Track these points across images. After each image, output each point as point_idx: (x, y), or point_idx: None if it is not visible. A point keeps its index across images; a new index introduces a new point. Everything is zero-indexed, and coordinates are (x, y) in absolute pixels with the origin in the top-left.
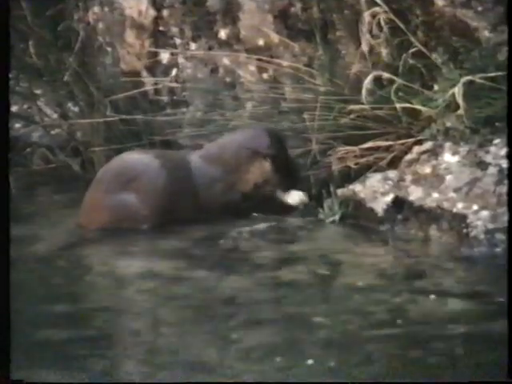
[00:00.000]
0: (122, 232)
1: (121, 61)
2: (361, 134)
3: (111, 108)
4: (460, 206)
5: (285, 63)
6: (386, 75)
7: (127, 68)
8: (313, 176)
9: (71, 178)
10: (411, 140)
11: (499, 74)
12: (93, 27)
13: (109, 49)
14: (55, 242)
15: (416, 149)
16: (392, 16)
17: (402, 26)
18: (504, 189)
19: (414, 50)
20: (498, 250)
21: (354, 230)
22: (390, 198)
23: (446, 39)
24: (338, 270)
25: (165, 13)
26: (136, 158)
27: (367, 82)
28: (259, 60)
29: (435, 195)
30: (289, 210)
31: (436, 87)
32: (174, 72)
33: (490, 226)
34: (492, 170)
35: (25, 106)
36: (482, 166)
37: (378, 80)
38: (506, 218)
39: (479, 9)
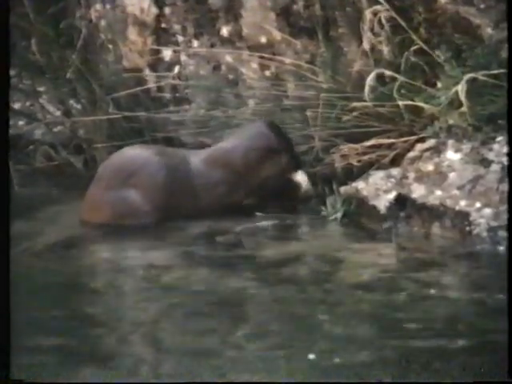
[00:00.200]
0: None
1: (123, 58)
2: (363, 131)
3: (113, 105)
4: (463, 203)
5: (287, 60)
6: (388, 73)
7: (129, 65)
8: (316, 173)
9: (74, 175)
10: (414, 137)
11: (502, 71)
12: (95, 24)
13: (111, 46)
14: (56, 238)
15: (419, 146)
16: (393, 14)
17: (403, 23)
18: (507, 186)
19: (415, 47)
20: (501, 247)
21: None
22: (392, 195)
23: (449, 36)
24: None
25: (167, 10)
26: (135, 153)
27: (370, 80)
28: (261, 57)
29: (438, 193)
30: (297, 193)
31: (439, 85)
32: (176, 69)
33: (493, 223)
34: (495, 167)
35: (27, 104)
36: (485, 163)
37: (380, 77)
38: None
39: (481, 6)
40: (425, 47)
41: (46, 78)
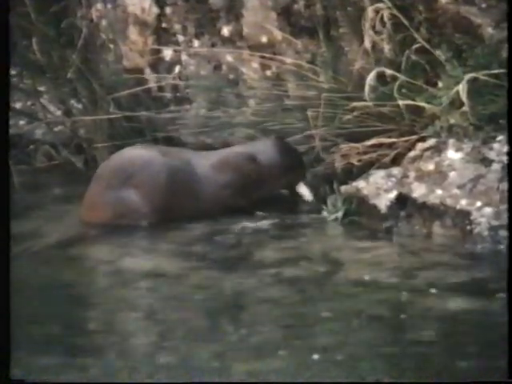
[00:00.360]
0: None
1: (124, 58)
2: (364, 131)
3: (114, 105)
4: (463, 202)
5: (288, 60)
6: (389, 72)
7: (130, 65)
8: (316, 173)
9: (74, 174)
10: (415, 137)
11: (502, 71)
12: (96, 24)
13: (112, 46)
14: (57, 237)
15: (419, 146)
16: (395, 12)
17: (405, 22)
18: (507, 186)
19: (417, 46)
20: (502, 246)
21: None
22: (393, 194)
23: (450, 36)
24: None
25: (168, 10)
26: (136, 154)
27: (370, 79)
28: (262, 57)
29: (439, 192)
30: (298, 202)
31: (440, 84)
32: (177, 69)
33: (494, 222)
34: (495, 166)
35: (28, 103)
36: (486, 162)
37: (381, 77)
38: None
39: (483, 6)
40: (426, 45)
41: (47, 77)
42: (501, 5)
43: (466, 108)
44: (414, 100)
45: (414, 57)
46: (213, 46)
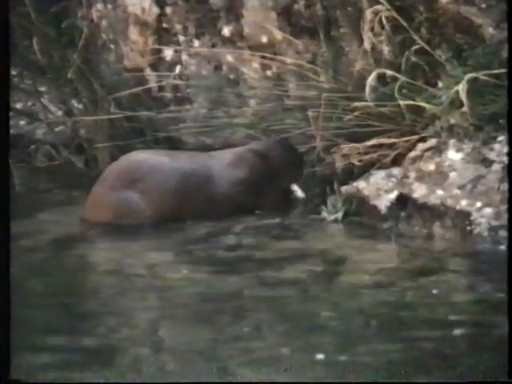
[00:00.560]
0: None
1: (124, 58)
2: (364, 131)
3: (115, 105)
4: (464, 203)
5: (288, 60)
6: (389, 73)
7: (131, 65)
8: (317, 173)
9: (75, 174)
10: (415, 137)
11: (502, 71)
12: (96, 24)
13: (112, 46)
14: (57, 236)
15: (420, 146)
16: (394, 13)
17: (404, 23)
18: (507, 186)
19: (416, 47)
20: (502, 247)
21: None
22: (393, 195)
23: (450, 36)
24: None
25: (168, 10)
26: (144, 159)
27: (371, 80)
28: (263, 57)
29: (439, 192)
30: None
31: (440, 84)
32: (177, 69)
33: (494, 223)
34: (496, 167)
35: (29, 103)
36: (486, 163)
37: (381, 77)
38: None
39: (483, 6)
40: (426, 47)
41: (48, 77)
42: (501, 5)
43: (466, 108)
44: (414, 100)
45: (413, 58)
46: (213, 46)
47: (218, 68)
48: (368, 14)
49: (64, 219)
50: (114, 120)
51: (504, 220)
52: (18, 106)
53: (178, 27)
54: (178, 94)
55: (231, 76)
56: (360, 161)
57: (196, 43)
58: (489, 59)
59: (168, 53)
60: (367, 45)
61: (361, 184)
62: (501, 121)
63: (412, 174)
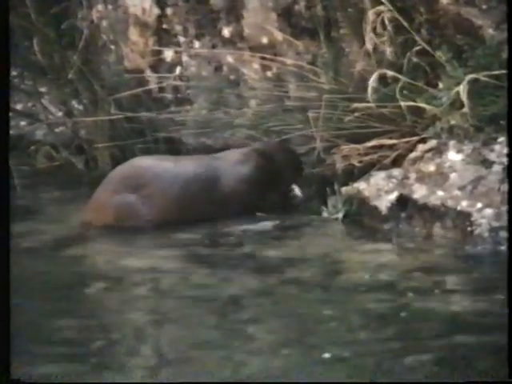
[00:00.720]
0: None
1: (125, 59)
2: (365, 132)
3: (115, 106)
4: (464, 204)
5: (288, 61)
6: (390, 73)
7: (131, 66)
8: (317, 173)
9: (75, 175)
10: (415, 138)
11: (503, 72)
12: (97, 25)
13: (112, 47)
14: (57, 238)
15: (420, 147)
16: (396, 14)
17: (405, 24)
18: (508, 187)
19: (418, 48)
20: (502, 247)
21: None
22: (394, 196)
23: (450, 37)
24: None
25: (168, 11)
26: (149, 165)
27: (372, 81)
28: (263, 58)
29: (439, 193)
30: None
31: (440, 85)
32: (177, 70)
33: (495, 223)
34: (496, 168)
35: (29, 104)
36: (487, 164)
37: (382, 78)
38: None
39: (483, 7)
40: (427, 47)
41: (48, 78)
42: (501, 6)
43: (466, 109)
44: (414, 101)
45: (415, 59)
46: (213, 47)
47: (218, 69)
48: (370, 14)
49: (64, 220)
50: (114, 121)
51: (504, 221)
52: (19, 106)
53: (179, 28)
54: (179, 95)
55: (231, 77)
56: (360, 162)
57: (196, 44)
58: (489, 60)
59: (168, 54)
60: (369, 46)
61: (361, 185)
62: (501, 122)
63: (412, 175)
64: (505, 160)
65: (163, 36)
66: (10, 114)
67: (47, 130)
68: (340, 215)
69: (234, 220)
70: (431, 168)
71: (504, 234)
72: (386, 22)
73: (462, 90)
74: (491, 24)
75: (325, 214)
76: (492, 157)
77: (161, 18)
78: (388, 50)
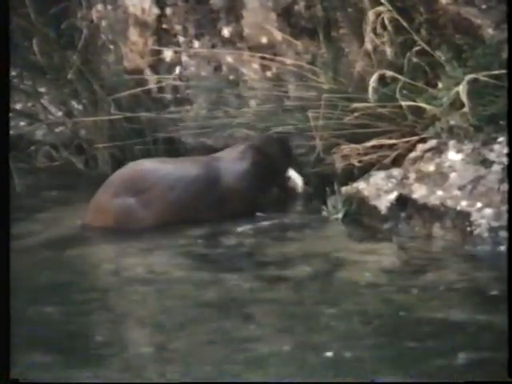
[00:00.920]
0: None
1: (124, 59)
2: (364, 131)
3: (115, 106)
4: (464, 203)
5: (288, 61)
6: (389, 73)
7: (130, 66)
8: (316, 173)
9: (75, 175)
10: (415, 138)
11: (502, 71)
12: (96, 25)
13: (112, 47)
14: (55, 238)
15: (420, 147)
16: (396, 15)
17: (405, 24)
18: (507, 187)
19: (417, 48)
20: (502, 248)
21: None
22: (393, 195)
23: (450, 37)
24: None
25: (168, 11)
26: (151, 169)
27: (373, 81)
28: (262, 58)
29: (439, 193)
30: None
31: (440, 85)
32: (177, 70)
33: (494, 224)
34: (496, 167)
35: (29, 104)
36: (486, 163)
37: (381, 78)
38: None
39: (483, 6)
40: (426, 48)
41: (48, 78)
42: (501, 6)
43: (466, 109)
44: (414, 101)
45: (414, 59)
46: (213, 46)
47: (217, 69)
48: (370, 14)
49: (64, 220)
50: (113, 121)
51: (504, 221)
52: (18, 106)
53: (178, 28)
54: (178, 95)
55: (231, 77)
56: (360, 161)
57: (196, 44)
58: (489, 60)
59: (168, 54)
60: (369, 46)
61: (361, 185)
62: (501, 122)
63: (412, 175)
64: (504, 160)
65: (163, 36)
66: (10, 114)
67: (47, 130)
68: (340, 215)
69: (235, 220)
70: (431, 168)
71: (504, 234)
72: (386, 22)
73: (462, 89)
74: (491, 24)
75: (324, 214)
76: (492, 156)
77: (160, 17)
78: (388, 50)
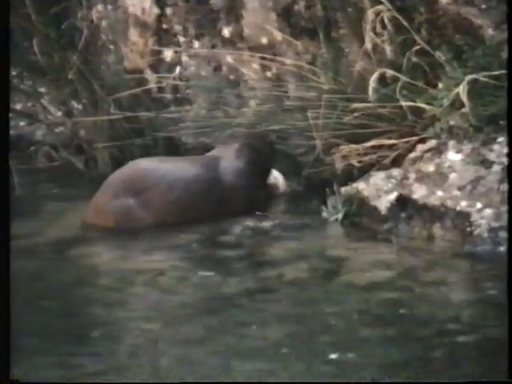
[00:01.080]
0: None
1: (124, 59)
2: (364, 132)
3: (115, 106)
4: (464, 204)
5: (288, 61)
6: (389, 73)
7: (131, 66)
8: (316, 174)
9: (75, 175)
10: (415, 138)
11: (502, 72)
12: (96, 25)
13: (112, 47)
14: (55, 239)
15: (420, 147)
16: (395, 14)
17: (405, 24)
18: (507, 187)
19: (417, 47)
20: (502, 248)
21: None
22: (393, 196)
23: (450, 37)
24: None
25: (168, 11)
26: (150, 168)
27: (373, 80)
28: (262, 58)
29: (439, 193)
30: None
31: (440, 85)
32: (177, 70)
33: (494, 224)
34: (496, 168)
35: (29, 104)
36: (486, 164)
37: (381, 78)
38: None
39: (483, 7)
40: (427, 47)
41: (48, 78)
42: (501, 6)
43: (466, 109)
44: (414, 101)
45: (414, 58)
46: (213, 47)
47: (217, 69)
48: (370, 14)
49: (64, 220)
50: (113, 121)
51: (504, 221)
52: (18, 106)
53: (178, 28)
54: (178, 95)
55: (231, 77)
56: (360, 162)
57: (196, 44)
58: (489, 60)
59: (168, 54)
60: (369, 45)
61: (360, 185)
62: (500, 122)
63: (412, 175)
64: (504, 160)
65: (163, 36)
66: (10, 114)
67: (47, 130)
68: (340, 215)
69: (235, 219)
70: (431, 168)
71: (503, 235)
72: (386, 21)
73: (462, 90)
74: (491, 24)
75: (324, 214)
76: (491, 157)
77: (160, 17)
78: (387, 50)
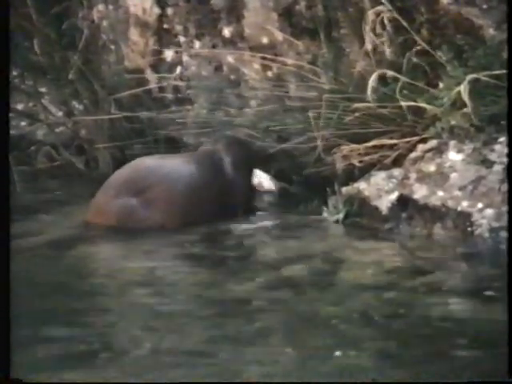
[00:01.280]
0: None
1: (125, 59)
2: (365, 132)
3: (115, 106)
4: (465, 204)
5: (289, 61)
6: (390, 73)
7: (131, 66)
8: (317, 174)
9: (75, 175)
10: (416, 138)
11: (503, 72)
12: (97, 25)
13: (113, 47)
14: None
15: (421, 147)
16: (396, 14)
17: (405, 24)
18: (508, 187)
19: (418, 48)
20: (503, 247)
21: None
22: (394, 196)
23: (451, 37)
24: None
25: (169, 11)
26: (152, 167)
27: (372, 80)
28: (263, 58)
29: (440, 193)
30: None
31: (441, 85)
32: (178, 70)
33: (495, 224)
34: (497, 168)
35: (29, 104)
36: (487, 164)
37: (382, 78)
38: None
39: (484, 7)
40: (427, 47)
41: (48, 78)
42: (501, 6)
43: (467, 109)
44: (415, 101)
45: (415, 59)
46: (214, 46)
47: (218, 69)
48: (370, 14)
49: (64, 221)
50: (114, 120)
51: (505, 221)
52: (19, 106)
53: (179, 28)
54: (179, 95)
55: (232, 77)
56: (361, 162)
57: (197, 44)
58: (489, 60)
59: (169, 54)
60: (369, 45)
61: (361, 185)
62: (502, 122)
63: (413, 175)
64: (505, 160)
65: (164, 36)
66: (11, 114)
67: (47, 130)
68: (341, 215)
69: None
70: (431, 168)
71: (504, 235)
72: (386, 21)
73: (463, 90)
74: (492, 24)
75: (325, 214)
76: (492, 157)
77: (161, 17)
78: (388, 50)
